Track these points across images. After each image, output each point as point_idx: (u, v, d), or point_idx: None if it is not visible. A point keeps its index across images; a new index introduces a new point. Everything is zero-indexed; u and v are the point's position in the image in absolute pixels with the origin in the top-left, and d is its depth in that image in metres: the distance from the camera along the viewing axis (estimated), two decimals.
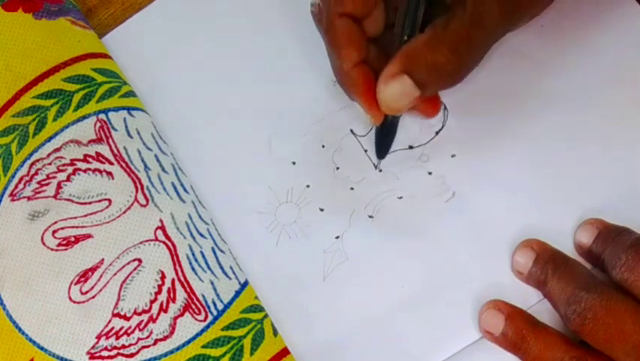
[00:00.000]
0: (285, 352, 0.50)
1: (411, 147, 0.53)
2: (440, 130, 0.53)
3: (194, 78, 0.55)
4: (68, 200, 0.53)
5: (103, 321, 0.51)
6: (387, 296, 0.51)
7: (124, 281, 0.52)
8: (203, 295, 0.51)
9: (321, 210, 0.53)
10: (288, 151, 0.54)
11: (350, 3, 0.48)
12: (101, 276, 0.52)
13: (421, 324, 0.50)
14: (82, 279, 0.52)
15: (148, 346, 0.50)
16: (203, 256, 0.52)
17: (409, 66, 0.46)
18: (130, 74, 0.56)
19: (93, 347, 0.51)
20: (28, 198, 0.53)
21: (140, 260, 0.52)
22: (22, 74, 0.55)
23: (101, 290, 0.52)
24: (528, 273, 0.49)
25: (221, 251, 0.52)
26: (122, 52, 0.56)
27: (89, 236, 0.52)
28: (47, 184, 0.53)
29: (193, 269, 0.51)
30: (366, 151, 0.53)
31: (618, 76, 0.52)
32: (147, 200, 0.53)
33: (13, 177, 0.54)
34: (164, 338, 0.50)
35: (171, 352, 0.50)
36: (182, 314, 0.51)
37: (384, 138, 0.52)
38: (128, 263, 0.52)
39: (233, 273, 0.51)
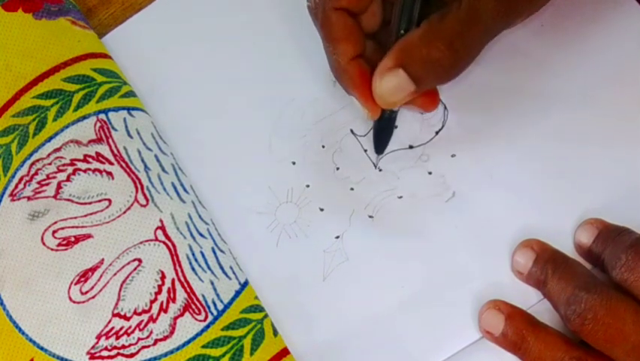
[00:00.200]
0: (285, 352, 0.50)
1: (411, 147, 0.53)
2: (440, 130, 0.53)
3: (194, 78, 0.55)
4: (68, 200, 0.53)
5: (103, 321, 0.51)
6: (387, 296, 0.51)
7: (124, 281, 0.52)
8: (203, 295, 0.51)
9: (321, 210, 0.53)
10: (288, 151, 0.54)
11: None
12: (101, 276, 0.52)
13: (421, 324, 0.50)
14: (82, 279, 0.52)
15: (148, 346, 0.50)
16: (203, 256, 0.52)
17: (404, 60, 0.47)
18: (130, 74, 0.56)
19: (93, 347, 0.51)
20: (28, 198, 0.53)
21: (140, 260, 0.52)
22: (22, 74, 0.55)
23: (101, 290, 0.52)
24: (528, 273, 0.49)
25: (221, 251, 0.52)
26: (122, 52, 0.56)
27: (89, 236, 0.52)
28: (47, 184, 0.53)
29: (193, 269, 0.51)
30: (366, 151, 0.53)
31: (618, 75, 0.52)
32: (147, 200, 0.53)
33: (13, 177, 0.54)
34: (164, 338, 0.50)
35: (171, 352, 0.50)
36: (182, 314, 0.51)
37: (382, 133, 0.52)
38: (128, 263, 0.52)
39: (233, 273, 0.51)
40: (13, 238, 0.53)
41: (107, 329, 0.51)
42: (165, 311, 0.51)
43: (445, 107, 0.53)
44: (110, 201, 0.53)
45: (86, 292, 0.52)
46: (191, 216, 0.52)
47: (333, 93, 0.54)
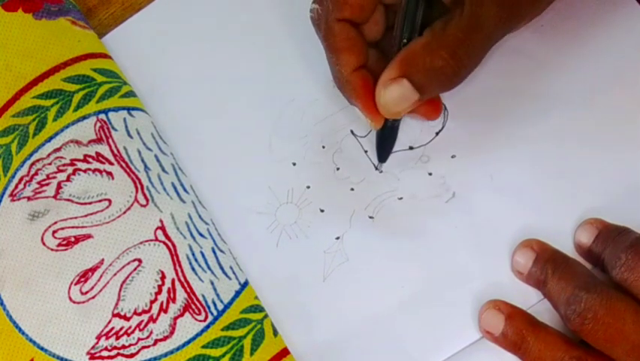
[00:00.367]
0: (285, 352, 0.50)
1: (411, 148, 0.53)
2: (440, 131, 0.53)
3: (194, 78, 0.55)
4: (68, 200, 0.53)
5: (103, 321, 0.51)
6: (387, 296, 0.51)
7: (124, 281, 0.52)
8: (203, 296, 0.51)
9: (322, 210, 0.53)
10: (288, 152, 0.54)
11: (348, 8, 0.48)
12: (101, 276, 0.52)
13: (421, 324, 0.50)
14: (82, 279, 0.52)
15: (148, 346, 0.50)
16: (203, 256, 0.52)
17: (407, 70, 0.47)
18: (130, 74, 0.56)
19: (93, 348, 0.51)
20: (28, 199, 0.53)
21: (140, 260, 0.52)
22: (22, 74, 0.55)
23: (101, 290, 0.52)
24: (528, 273, 0.49)
25: (221, 251, 0.52)
26: (122, 52, 0.56)
27: (89, 236, 0.52)
28: (47, 184, 0.53)
29: (193, 269, 0.51)
30: (366, 152, 0.53)
31: (619, 76, 0.52)
32: (147, 200, 0.53)
33: (13, 177, 0.54)
34: (164, 338, 0.50)
35: (171, 352, 0.50)
36: (182, 314, 0.51)
37: (385, 141, 0.52)
38: (128, 263, 0.52)
39: (233, 273, 0.51)
40: (13, 238, 0.53)
41: (107, 329, 0.51)
42: (165, 311, 0.51)
43: (445, 108, 0.53)
44: (110, 201, 0.53)
45: (86, 293, 0.52)
46: (191, 216, 0.52)
47: (333, 94, 0.54)
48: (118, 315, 0.51)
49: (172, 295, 0.51)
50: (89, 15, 0.57)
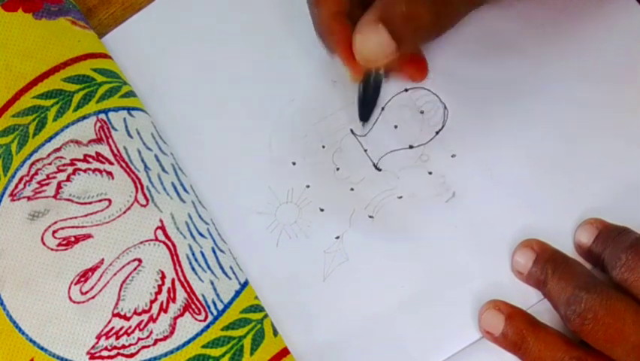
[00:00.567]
0: (285, 352, 0.50)
1: (411, 147, 0.53)
2: (440, 130, 0.53)
3: (194, 78, 0.55)
4: (68, 200, 0.53)
5: (103, 321, 0.51)
6: (387, 296, 0.51)
7: (124, 281, 0.52)
8: (203, 295, 0.51)
9: (322, 210, 0.53)
10: (288, 151, 0.54)
11: None
12: (101, 276, 0.52)
13: (421, 324, 0.50)
14: (82, 279, 0.52)
15: (148, 346, 0.50)
16: (203, 256, 0.52)
17: (385, 15, 0.46)
18: (130, 74, 0.56)
19: (93, 347, 0.51)
20: (28, 198, 0.53)
21: (140, 260, 0.52)
22: (22, 74, 0.55)
23: (101, 290, 0.52)
24: (528, 273, 0.49)
25: (221, 251, 0.52)
26: (122, 52, 0.56)
27: (89, 236, 0.52)
28: (47, 184, 0.53)
29: (193, 269, 0.51)
30: (366, 151, 0.53)
31: (619, 75, 0.52)
32: (147, 200, 0.53)
33: (13, 177, 0.54)
34: (164, 338, 0.50)
35: (171, 352, 0.50)
36: (182, 314, 0.51)
37: (367, 98, 0.51)
38: (128, 263, 0.52)
39: (233, 273, 0.51)
40: (13, 238, 0.53)
41: (107, 329, 0.51)
42: (165, 311, 0.51)
43: (445, 107, 0.53)
44: (110, 201, 0.53)
45: (86, 292, 0.52)
46: (191, 216, 0.52)
47: (333, 93, 0.54)
48: (118, 315, 0.51)
49: (172, 295, 0.51)
50: (89, 15, 0.57)
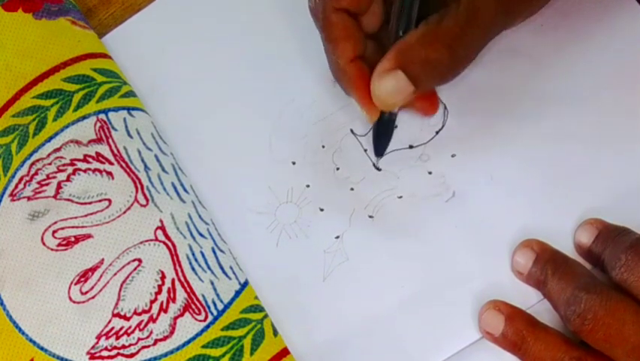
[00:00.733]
0: (285, 352, 0.50)
1: (411, 147, 0.53)
2: (440, 130, 0.53)
3: (194, 78, 0.55)
4: (68, 200, 0.53)
5: (103, 321, 0.51)
6: (387, 296, 0.51)
7: (124, 281, 0.52)
8: (203, 295, 0.51)
9: (322, 210, 0.52)
10: (288, 151, 0.54)
11: None
12: (101, 276, 0.52)
13: (421, 324, 0.50)
14: (82, 279, 0.52)
15: (148, 346, 0.50)
16: (203, 256, 0.52)
17: (402, 61, 0.46)
18: (130, 74, 0.56)
19: (93, 347, 0.51)
20: (28, 198, 0.53)
21: (140, 260, 0.52)
22: (22, 74, 0.55)
23: (101, 290, 0.52)
24: (528, 273, 0.49)
25: (221, 251, 0.52)
26: (122, 52, 0.56)
27: (89, 236, 0.52)
28: (47, 184, 0.53)
29: (193, 269, 0.51)
30: (365, 151, 0.53)
31: (619, 75, 0.52)
32: (147, 200, 0.53)
33: (13, 177, 0.54)
34: (164, 338, 0.50)
35: (171, 352, 0.50)
36: (182, 314, 0.51)
37: (382, 135, 0.52)
38: (128, 263, 0.52)
39: (233, 273, 0.51)
40: (13, 238, 0.53)
41: (107, 329, 0.51)
42: (165, 311, 0.51)
43: (445, 107, 0.53)
44: (110, 201, 0.53)
45: (86, 292, 0.52)
46: (191, 216, 0.52)
47: (333, 93, 0.54)
48: (118, 315, 0.51)
49: (172, 295, 0.51)
50: (89, 15, 0.57)
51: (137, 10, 0.57)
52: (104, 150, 0.54)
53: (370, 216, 0.52)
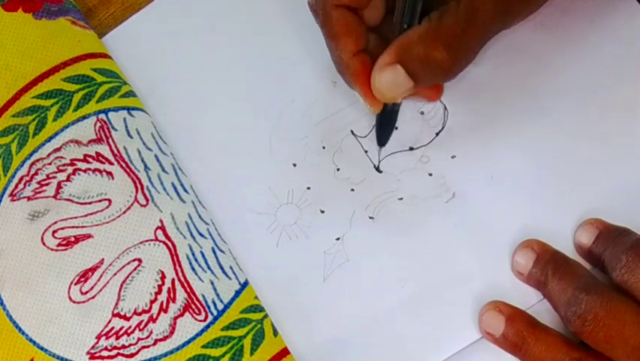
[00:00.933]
0: (285, 352, 0.50)
1: (411, 149, 0.53)
2: (440, 131, 0.53)
3: (194, 78, 0.55)
4: (68, 200, 0.53)
5: (103, 321, 0.51)
6: (387, 297, 0.51)
7: (124, 281, 0.52)
8: (203, 295, 0.51)
9: (322, 211, 0.52)
10: (288, 152, 0.53)
11: None
12: (101, 276, 0.52)
13: (421, 324, 0.50)
14: (82, 279, 0.52)
15: (148, 346, 0.50)
16: (203, 256, 0.52)
17: (402, 57, 0.47)
18: (130, 74, 0.56)
19: (93, 347, 0.51)
20: (28, 198, 0.53)
21: (140, 260, 0.52)
22: (22, 73, 0.55)
23: (101, 290, 0.52)
24: (528, 274, 0.49)
25: (221, 251, 0.52)
26: (122, 52, 0.56)
27: (89, 236, 0.52)
28: (47, 184, 0.53)
29: (193, 269, 0.51)
30: (366, 152, 0.53)
31: (618, 75, 0.52)
32: (147, 200, 0.53)
33: (13, 177, 0.54)
34: (164, 338, 0.50)
35: (171, 352, 0.50)
36: (182, 314, 0.51)
37: (384, 125, 0.52)
38: (128, 263, 0.52)
39: (233, 273, 0.51)
40: (13, 238, 0.53)
41: (107, 329, 0.51)
42: (165, 311, 0.51)
43: (445, 108, 0.53)
44: (110, 201, 0.53)
45: (86, 292, 0.52)
46: (191, 216, 0.52)
47: (333, 94, 0.54)
48: (118, 315, 0.51)
49: (172, 295, 0.51)
50: (89, 15, 0.57)
51: (137, 10, 0.57)
52: (104, 150, 0.54)
53: (371, 218, 0.52)
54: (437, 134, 0.53)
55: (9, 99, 0.55)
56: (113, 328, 0.51)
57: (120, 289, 0.51)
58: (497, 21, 0.46)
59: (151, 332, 0.51)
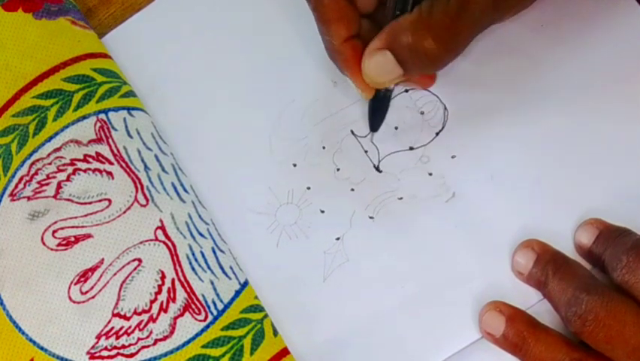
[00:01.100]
0: (285, 352, 0.50)
1: (411, 148, 0.53)
2: (440, 131, 0.53)
3: (194, 78, 0.55)
4: (68, 200, 0.53)
5: (103, 321, 0.51)
6: (387, 297, 0.51)
7: (124, 281, 0.52)
8: (203, 295, 0.51)
9: (322, 211, 0.52)
10: (288, 152, 0.53)
11: None
12: (101, 276, 0.52)
13: (421, 324, 0.50)
14: (82, 279, 0.52)
15: (148, 346, 0.50)
16: (203, 256, 0.52)
17: (392, 43, 0.47)
18: (130, 74, 0.56)
19: (93, 347, 0.51)
20: (28, 198, 0.53)
21: (140, 260, 0.52)
22: (22, 73, 0.55)
23: (101, 290, 0.52)
24: (528, 274, 0.49)
25: (221, 251, 0.52)
26: (122, 52, 0.56)
27: (89, 236, 0.52)
28: (47, 184, 0.53)
29: (193, 269, 0.51)
30: (366, 152, 0.53)
31: (618, 75, 0.52)
32: (147, 200, 0.53)
33: (13, 177, 0.54)
34: (164, 338, 0.50)
35: (171, 352, 0.50)
36: (182, 314, 0.51)
37: (377, 111, 0.52)
38: (128, 263, 0.52)
39: (233, 273, 0.51)
40: (13, 238, 0.53)
41: (107, 328, 0.51)
42: (165, 311, 0.51)
43: (445, 108, 0.53)
44: (110, 201, 0.53)
45: (86, 292, 0.52)
46: (191, 216, 0.52)
47: (333, 94, 0.54)
48: (118, 315, 0.51)
49: (172, 294, 0.51)
50: (89, 15, 0.57)
51: (137, 10, 0.57)
52: (104, 149, 0.54)
53: (371, 218, 0.52)
54: (437, 134, 0.53)
55: (9, 99, 0.55)
56: (113, 328, 0.51)
57: (120, 289, 0.51)
58: (488, 15, 0.46)
59: (151, 332, 0.51)
